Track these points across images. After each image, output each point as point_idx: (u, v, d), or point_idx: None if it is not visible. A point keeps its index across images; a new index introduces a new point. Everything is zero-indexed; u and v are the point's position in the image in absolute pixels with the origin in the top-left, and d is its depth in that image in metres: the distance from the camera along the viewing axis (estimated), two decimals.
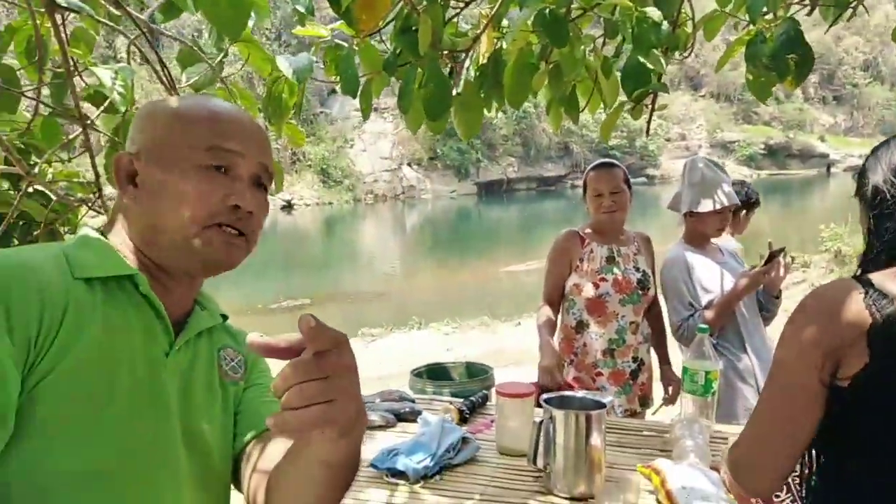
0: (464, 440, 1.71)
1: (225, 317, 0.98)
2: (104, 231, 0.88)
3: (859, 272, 1.09)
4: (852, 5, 1.91)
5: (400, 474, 1.60)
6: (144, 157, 0.85)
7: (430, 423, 1.73)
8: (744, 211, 3.08)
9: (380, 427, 1.94)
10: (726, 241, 2.75)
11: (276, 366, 0.67)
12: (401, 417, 1.98)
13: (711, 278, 2.44)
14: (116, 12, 1.52)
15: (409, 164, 29.20)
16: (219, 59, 1.78)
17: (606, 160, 2.62)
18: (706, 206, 2.42)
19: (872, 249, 1.10)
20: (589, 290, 2.46)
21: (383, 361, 7.13)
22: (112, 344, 0.77)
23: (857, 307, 1.00)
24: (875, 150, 1.16)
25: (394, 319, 9.05)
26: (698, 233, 2.52)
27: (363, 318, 9.23)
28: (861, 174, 1.16)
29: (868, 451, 1.03)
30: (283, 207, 24.42)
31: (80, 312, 0.76)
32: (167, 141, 0.84)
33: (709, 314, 2.36)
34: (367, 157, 28.48)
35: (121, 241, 0.86)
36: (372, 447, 1.77)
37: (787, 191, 29.14)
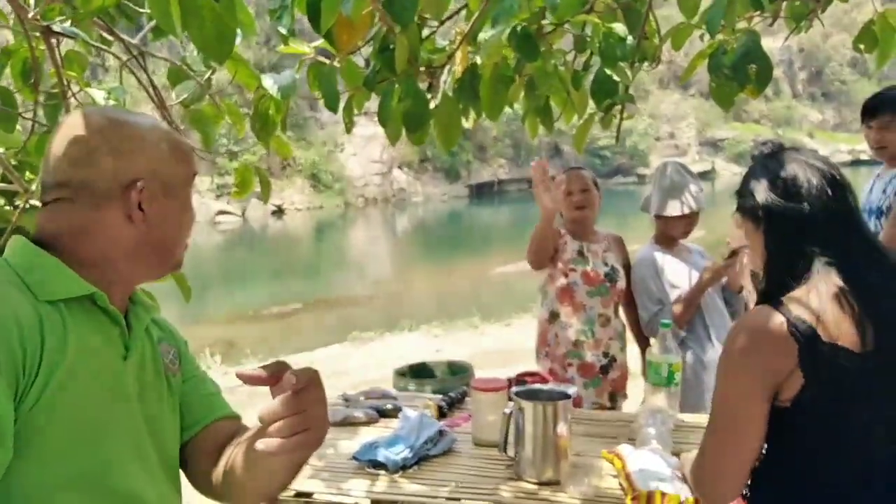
0: (441, 433, 1.80)
1: (150, 306, 1.01)
2: (46, 243, 0.88)
3: (767, 294, 1.14)
4: (808, 18, 2.02)
5: (380, 465, 1.70)
6: (149, 185, 0.90)
7: (409, 417, 1.83)
8: None
9: (364, 423, 2.04)
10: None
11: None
12: (383, 413, 2.09)
13: (679, 276, 2.55)
14: (109, 37, 1.61)
15: (399, 168, 29.27)
16: (206, 76, 1.86)
17: (576, 166, 2.80)
18: (673, 209, 2.53)
19: (774, 272, 1.16)
20: (560, 280, 2.60)
21: (373, 364, 7.20)
22: (85, 360, 0.84)
23: (783, 335, 1.05)
24: (753, 170, 1.20)
25: (385, 322, 9.12)
26: (666, 235, 2.63)
27: (354, 322, 9.30)
28: (742, 194, 1.20)
29: (812, 459, 1.10)
30: (273, 213, 24.44)
31: (55, 335, 0.81)
32: (169, 172, 0.93)
33: (676, 308, 2.46)
34: (358, 161, 28.53)
35: (85, 255, 0.88)
36: (355, 442, 1.86)
37: None
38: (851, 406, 1.05)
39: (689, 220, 2.58)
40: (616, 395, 2.64)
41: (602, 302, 2.59)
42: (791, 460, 1.12)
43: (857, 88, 43.96)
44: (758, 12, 2.00)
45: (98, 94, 1.60)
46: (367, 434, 1.94)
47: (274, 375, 0.78)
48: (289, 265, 16.38)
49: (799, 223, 1.12)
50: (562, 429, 1.55)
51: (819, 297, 1.06)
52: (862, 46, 2.02)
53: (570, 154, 31.33)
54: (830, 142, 39.02)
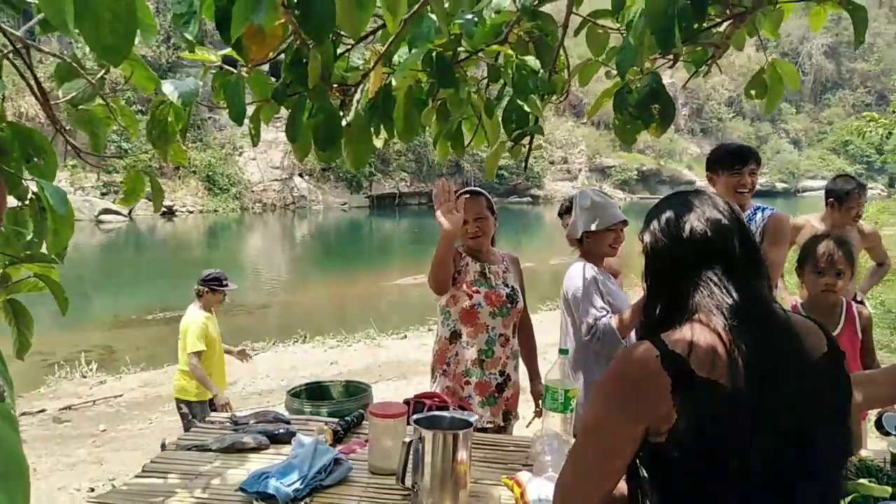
0: (336, 461, 1.74)
1: None
2: None
3: (647, 329, 1.19)
4: (707, 63, 2.14)
5: (269, 497, 1.61)
6: None
7: (303, 444, 1.76)
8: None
9: (252, 449, 1.94)
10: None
11: None
12: (275, 439, 1.99)
13: (612, 290, 2.62)
14: None
15: (300, 175, 28.65)
16: (100, 75, 1.73)
17: (472, 188, 2.79)
18: (604, 222, 2.60)
19: (656, 308, 1.21)
20: (463, 301, 2.61)
21: (264, 376, 6.96)
22: None
23: (656, 372, 1.07)
24: (650, 212, 1.26)
25: (277, 333, 8.85)
26: (595, 252, 2.68)
27: (245, 332, 8.94)
28: (641, 235, 1.26)
29: (689, 494, 1.11)
30: (163, 214, 23.20)
31: None
32: None
33: (625, 316, 2.46)
34: (257, 166, 27.66)
35: None
36: (244, 470, 1.77)
37: None
38: (725, 442, 1.06)
39: (616, 234, 2.65)
40: (509, 414, 2.69)
41: (503, 322, 2.63)
42: (671, 496, 1.14)
43: (733, 126, 47.74)
44: (658, 55, 2.10)
45: None
46: (257, 462, 1.85)
47: None
48: (177, 269, 15.55)
49: (675, 263, 1.17)
50: (462, 457, 1.54)
51: (694, 334, 1.09)
52: (753, 93, 2.16)
53: (471, 172, 31.88)
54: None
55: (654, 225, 1.22)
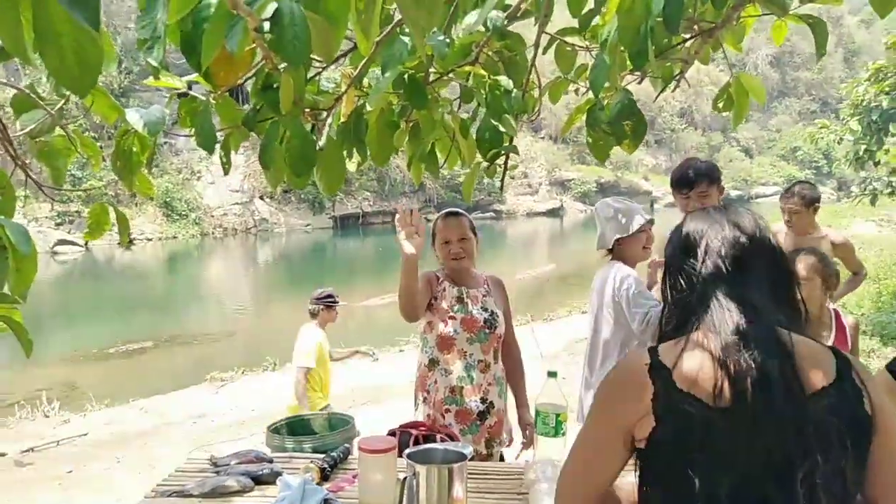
0: (326, 502, 1.68)
1: None
2: None
3: (660, 339, 1.20)
4: (675, 78, 2.17)
5: None
6: None
7: (290, 486, 1.69)
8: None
9: (236, 492, 1.85)
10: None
11: None
12: (259, 480, 1.91)
13: (645, 292, 2.60)
14: None
15: (261, 198, 28.31)
16: (59, 105, 1.66)
17: (453, 209, 2.75)
18: (634, 226, 2.60)
19: (668, 318, 1.22)
20: (439, 328, 2.57)
21: (236, 407, 6.79)
22: None
23: (642, 379, 1.10)
24: (678, 224, 1.28)
25: (246, 361, 8.64)
26: (628, 256, 2.67)
27: (212, 361, 8.74)
28: (665, 246, 1.29)
29: (671, 497, 1.12)
30: (119, 243, 22.62)
31: None
32: None
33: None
34: (216, 190, 27.25)
35: None
36: None
37: None
38: (695, 457, 1.07)
39: (648, 235, 2.66)
40: (493, 441, 2.61)
41: (482, 348, 2.58)
42: (656, 499, 1.15)
43: (685, 136, 48.95)
44: (627, 71, 2.12)
45: None
46: None
47: None
48: (138, 299, 15.18)
49: (687, 278, 1.18)
50: (458, 491, 1.50)
51: (686, 348, 1.10)
52: (720, 105, 2.19)
53: (433, 190, 31.97)
54: (662, 184, 42.84)
55: (675, 238, 1.23)
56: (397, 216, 2.30)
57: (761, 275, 1.15)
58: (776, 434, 1.04)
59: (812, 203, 3.67)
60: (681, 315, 1.17)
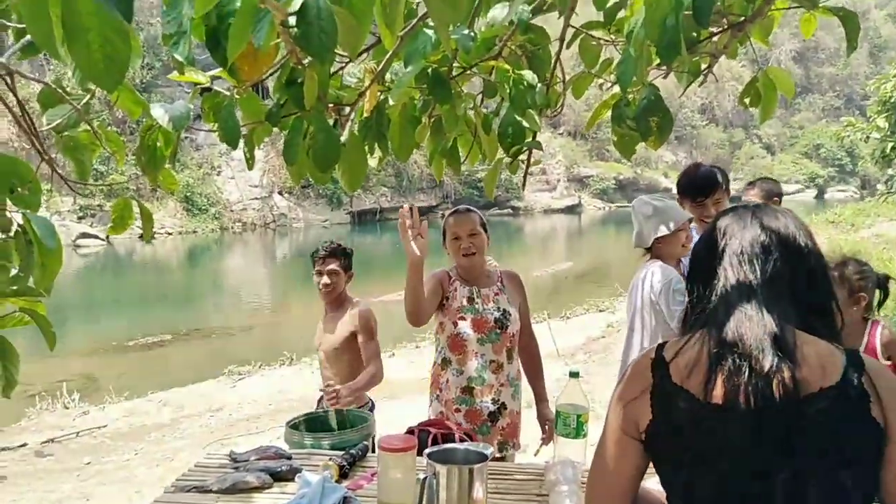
0: (345, 500, 1.67)
1: None
2: None
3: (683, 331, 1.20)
4: (703, 73, 2.12)
5: None
6: None
7: (310, 482, 1.69)
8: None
9: (256, 489, 1.85)
10: None
11: None
12: (278, 477, 1.90)
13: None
14: None
15: (280, 193, 28.49)
16: (85, 100, 1.67)
17: (464, 206, 2.74)
18: (675, 224, 2.55)
19: (690, 311, 1.21)
20: (450, 329, 2.56)
21: (253, 401, 6.83)
22: None
23: (645, 372, 1.13)
24: (713, 218, 1.26)
25: (263, 355, 8.69)
26: (667, 254, 2.61)
27: (230, 355, 8.81)
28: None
29: (670, 492, 1.13)
30: (141, 236, 22.88)
31: None
32: None
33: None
34: (236, 185, 27.47)
35: None
36: None
37: None
38: (682, 451, 1.08)
39: (687, 233, 2.60)
40: (506, 444, 2.58)
41: (493, 349, 2.55)
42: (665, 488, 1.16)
43: (706, 133, 48.47)
44: (653, 66, 2.09)
45: None
46: (261, 502, 1.77)
47: None
48: (158, 293, 15.34)
49: (708, 274, 1.16)
50: (478, 493, 1.48)
51: (688, 343, 1.11)
52: (747, 101, 2.14)
53: (451, 186, 31.97)
54: None
55: (706, 233, 1.22)
56: (399, 221, 2.31)
57: (783, 276, 1.11)
58: (762, 433, 1.03)
59: (772, 196, 3.54)
60: (698, 312, 1.17)
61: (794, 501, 1.02)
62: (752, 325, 1.07)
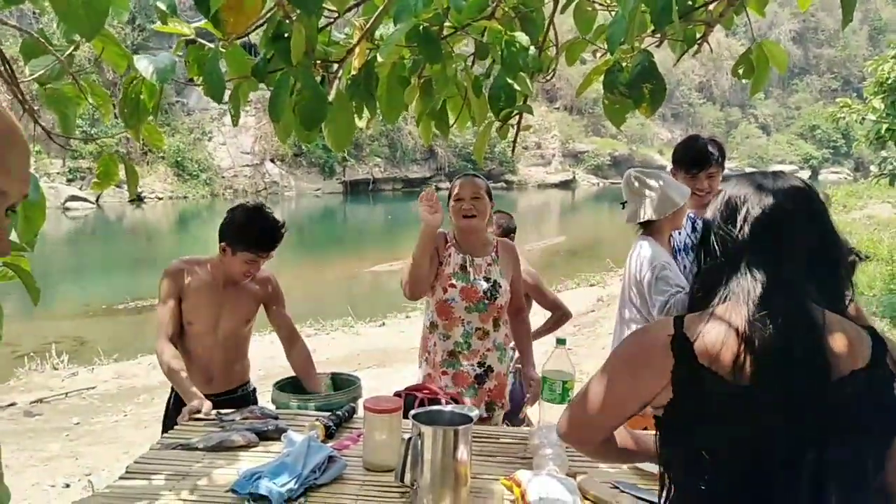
0: (330, 458, 1.68)
1: None
2: None
3: (690, 307, 1.16)
4: (697, 42, 2.10)
5: (262, 499, 1.54)
6: None
7: (295, 442, 1.69)
8: None
9: (241, 447, 1.86)
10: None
11: None
12: (264, 436, 1.91)
13: (672, 265, 2.51)
14: None
15: (272, 160, 28.26)
16: (68, 51, 1.63)
17: (472, 172, 2.74)
18: (674, 202, 2.49)
19: (695, 286, 1.18)
20: (439, 294, 2.56)
21: None
22: None
23: (664, 351, 1.07)
24: (722, 188, 1.21)
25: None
26: (664, 230, 2.57)
27: None
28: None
29: (682, 466, 1.11)
30: (131, 201, 22.72)
31: None
32: None
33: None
34: (227, 151, 27.21)
35: None
36: (233, 470, 1.70)
37: None
38: (707, 432, 1.05)
39: (683, 210, 2.55)
40: (493, 405, 2.62)
41: (480, 317, 2.56)
42: (675, 464, 1.14)
43: (703, 111, 48.33)
44: (647, 33, 2.06)
45: None
46: (246, 461, 1.77)
47: None
48: (148, 257, 15.23)
49: (722, 245, 1.12)
50: (462, 454, 1.49)
51: (711, 321, 1.06)
52: (740, 72, 2.12)
53: (444, 157, 31.80)
54: None
55: (717, 203, 1.16)
56: (420, 196, 2.38)
57: (802, 249, 1.08)
58: (791, 416, 1.01)
59: (508, 234, 3.45)
60: (711, 283, 1.12)
61: (821, 484, 1.01)
62: (781, 301, 1.04)
